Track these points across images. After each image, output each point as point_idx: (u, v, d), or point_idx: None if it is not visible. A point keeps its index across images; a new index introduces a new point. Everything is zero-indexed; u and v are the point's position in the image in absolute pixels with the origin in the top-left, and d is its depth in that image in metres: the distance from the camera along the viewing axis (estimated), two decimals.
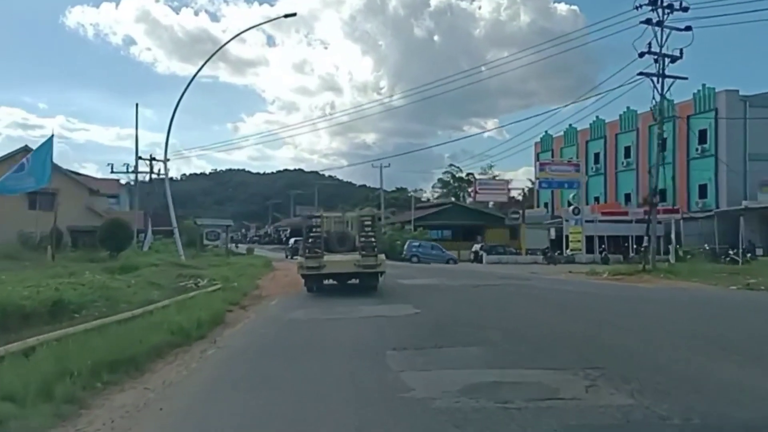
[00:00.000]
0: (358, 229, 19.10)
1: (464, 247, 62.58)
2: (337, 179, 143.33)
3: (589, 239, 42.20)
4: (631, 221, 43.07)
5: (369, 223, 19.02)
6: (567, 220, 41.29)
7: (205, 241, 35.20)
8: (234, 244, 74.53)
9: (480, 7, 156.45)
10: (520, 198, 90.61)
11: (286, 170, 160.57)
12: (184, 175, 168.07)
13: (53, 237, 35.47)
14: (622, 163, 53.04)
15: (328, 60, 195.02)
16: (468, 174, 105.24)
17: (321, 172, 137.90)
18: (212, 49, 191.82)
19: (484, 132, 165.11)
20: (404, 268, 33.63)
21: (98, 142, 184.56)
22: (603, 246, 41.57)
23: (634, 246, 42.29)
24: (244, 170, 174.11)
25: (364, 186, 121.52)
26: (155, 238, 47.73)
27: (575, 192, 40.94)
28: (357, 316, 12.73)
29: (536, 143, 61.74)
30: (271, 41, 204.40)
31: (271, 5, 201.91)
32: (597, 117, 54.15)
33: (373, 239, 18.37)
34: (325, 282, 19.13)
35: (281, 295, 18.48)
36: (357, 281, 18.80)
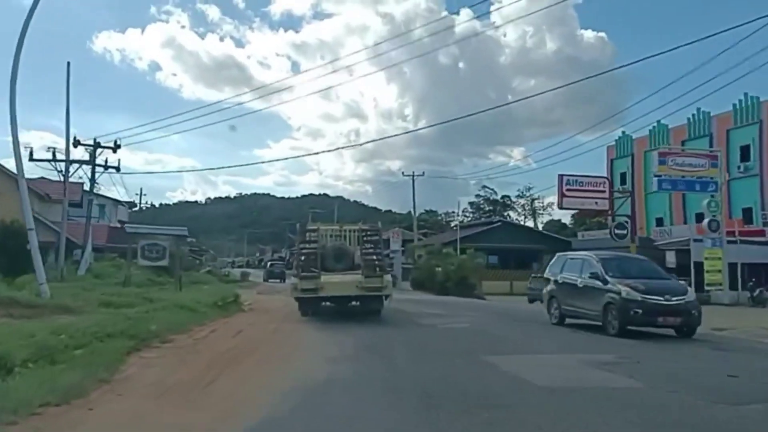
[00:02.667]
0: (359, 245, 16.31)
1: (518, 277, 47.78)
2: (363, 204, 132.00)
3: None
4: None
5: (372, 238, 16.39)
6: (699, 240, 26.33)
7: (141, 261, 21.09)
8: (230, 267, 61.40)
9: (505, 35, 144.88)
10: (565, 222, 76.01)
11: (311, 195, 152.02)
12: (209, 198, 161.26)
13: None
14: (738, 168, 37.93)
15: (353, 87, 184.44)
16: (504, 196, 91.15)
17: (347, 198, 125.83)
18: (238, 74, 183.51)
19: (510, 160, 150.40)
20: (463, 309, 19.15)
21: (126, 166, 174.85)
22: (753, 279, 26.40)
23: None
24: (268, 195, 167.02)
25: (390, 211, 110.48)
26: (112, 257, 34.02)
27: (710, 197, 26.12)
28: None
29: (609, 147, 47.21)
30: (296, 68, 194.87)
31: (297, 31, 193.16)
32: (698, 109, 39.41)
33: (375, 257, 15.53)
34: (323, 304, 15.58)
35: None
36: (357, 304, 15.93)
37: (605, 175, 45.10)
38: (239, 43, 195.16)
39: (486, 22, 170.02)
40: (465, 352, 9.58)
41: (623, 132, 45.65)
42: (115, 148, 28.43)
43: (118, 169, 28.94)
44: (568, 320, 14.17)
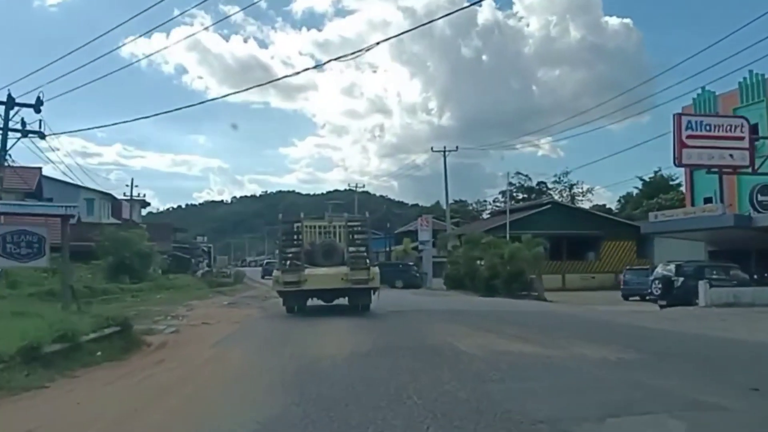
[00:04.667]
0: (347, 240, 14.87)
1: (571, 269, 38.10)
2: (389, 198, 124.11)
3: None
4: None
5: (359, 230, 15.37)
6: None
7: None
8: (232, 267, 53.11)
9: (528, 25, 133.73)
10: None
11: (336, 191, 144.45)
12: (235, 197, 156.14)
13: None
14: None
15: (377, 83, 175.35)
16: (539, 183, 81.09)
17: (372, 193, 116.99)
18: (262, 75, 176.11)
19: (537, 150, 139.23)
20: (558, 329, 9.58)
21: (153, 168, 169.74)
22: None
23: None
24: (294, 192, 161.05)
25: (417, 205, 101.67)
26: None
27: None
28: None
29: (684, 108, 36.94)
30: (319, 66, 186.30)
31: (319, 30, 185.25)
32: None
33: (363, 249, 14.85)
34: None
35: None
36: (345, 300, 14.43)
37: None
38: (263, 44, 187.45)
39: (508, 12, 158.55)
40: None
41: (703, 88, 35.33)
42: (37, 106, 19.67)
43: (42, 135, 20.15)
44: None
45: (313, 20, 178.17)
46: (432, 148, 41.66)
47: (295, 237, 14.76)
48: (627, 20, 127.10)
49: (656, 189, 65.40)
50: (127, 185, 51.08)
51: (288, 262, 13.93)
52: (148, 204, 74.10)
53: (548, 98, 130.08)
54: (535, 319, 12.99)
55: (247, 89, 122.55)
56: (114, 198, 49.59)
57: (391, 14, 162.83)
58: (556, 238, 36.84)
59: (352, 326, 10.62)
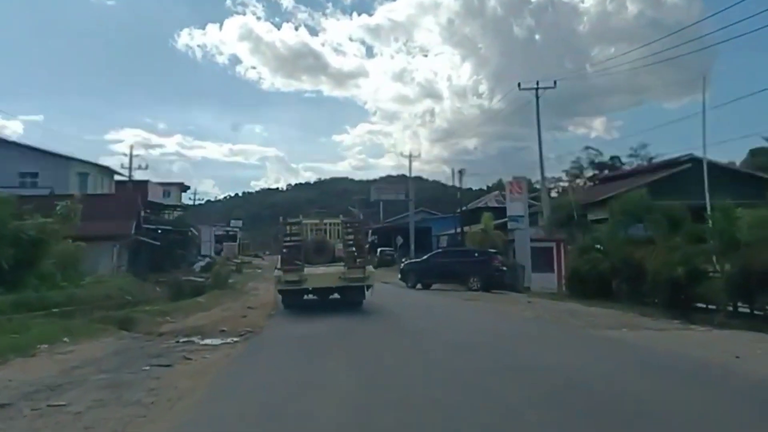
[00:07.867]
0: (341, 238, 15.17)
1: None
2: (442, 184, 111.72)
3: None
4: None
5: (352, 230, 15.23)
6: None
7: None
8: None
9: (583, 1, 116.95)
10: None
11: (389, 176, 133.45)
12: (290, 185, 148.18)
13: None
14: None
15: (428, 67, 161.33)
16: (612, 157, 65.91)
17: (425, 178, 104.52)
18: (314, 63, 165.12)
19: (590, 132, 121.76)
20: None
21: (212, 158, 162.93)
22: None
23: None
24: (347, 178, 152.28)
25: (470, 189, 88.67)
26: None
27: None
28: None
29: None
30: (370, 52, 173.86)
31: (370, 15, 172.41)
32: None
33: (353, 248, 14.26)
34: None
35: None
36: (338, 296, 14.69)
37: None
38: (313, 31, 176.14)
39: None
40: None
41: None
42: None
43: None
44: None
45: (362, 5, 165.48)
46: (519, 85, 27.78)
47: (293, 236, 14.78)
48: None
49: None
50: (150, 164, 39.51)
51: (286, 262, 13.68)
52: (188, 188, 62.46)
53: (604, 78, 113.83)
54: None
55: None
56: (115, 174, 38.37)
57: None
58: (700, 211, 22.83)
59: None
